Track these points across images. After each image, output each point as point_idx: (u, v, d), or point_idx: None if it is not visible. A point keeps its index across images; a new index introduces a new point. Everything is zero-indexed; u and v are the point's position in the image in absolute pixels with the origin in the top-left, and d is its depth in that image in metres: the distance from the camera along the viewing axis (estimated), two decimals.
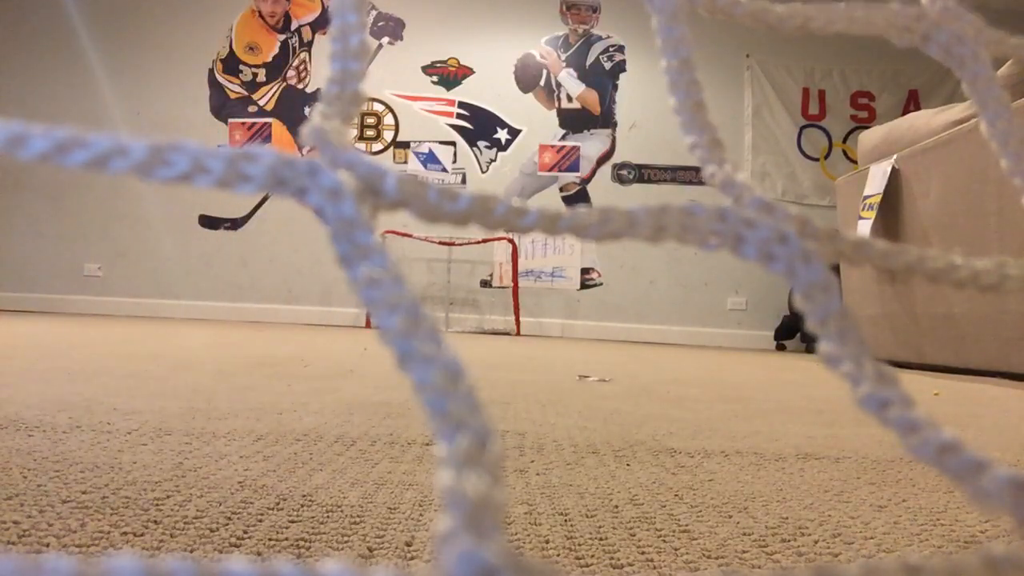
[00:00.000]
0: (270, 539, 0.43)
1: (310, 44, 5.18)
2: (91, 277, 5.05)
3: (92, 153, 0.18)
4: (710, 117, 0.26)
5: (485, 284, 5.04)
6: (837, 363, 0.21)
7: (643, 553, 0.43)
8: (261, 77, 5.16)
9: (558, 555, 0.43)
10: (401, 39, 5.21)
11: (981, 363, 2.43)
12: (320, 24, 5.18)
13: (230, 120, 5.07)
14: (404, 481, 0.58)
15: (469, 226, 0.20)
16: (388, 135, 5.13)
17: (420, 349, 0.17)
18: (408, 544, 0.43)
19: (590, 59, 5.22)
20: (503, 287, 4.97)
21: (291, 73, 5.15)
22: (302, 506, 0.49)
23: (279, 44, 5.18)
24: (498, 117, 5.18)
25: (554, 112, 5.18)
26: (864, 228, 2.83)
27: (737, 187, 0.24)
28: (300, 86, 5.13)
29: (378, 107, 5.16)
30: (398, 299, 0.18)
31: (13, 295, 5.00)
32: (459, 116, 5.18)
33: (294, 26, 5.19)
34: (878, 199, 2.80)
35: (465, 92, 5.19)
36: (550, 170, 5.11)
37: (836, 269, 3.02)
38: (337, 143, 0.20)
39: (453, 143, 5.12)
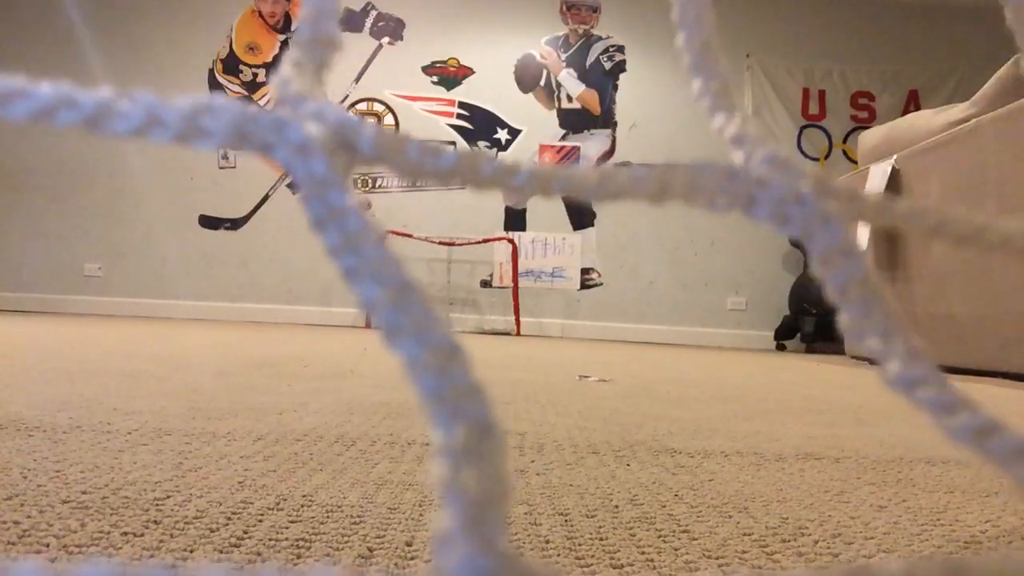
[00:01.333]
0: (270, 539, 0.43)
1: None
2: (91, 277, 5.05)
3: (37, 104, 0.16)
4: (720, 62, 0.24)
5: (485, 284, 5.03)
6: (861, 337, 0.19)
7: (643, 553, 0.43)
8: (261, 77, 5.16)
9: (558, 555, 0.43)
10: (401, 39, 5.21)
11: (981, 363, 2.42)
12: None
13: None
14: (404, 481, 0.58)
15: (453, 184, 0.19)
16: None
17: (410, 322, 0.16)
18: (408, 544, 0.43)
19: (590, 59, 5.22)
20: (503, 287, 4.97)
21: None
22: (302, 506, 0.49)
23: (279, 44, 5.19)
24: (498, 117, 5.18)
25: (554, 112, 5.18)
26: (864, 229, 2.83)
27: (748, 141, 0.22)
28: None
29: (378, 107, 5.16)
30: (381, 266, 0.16)
31: (13, 295, 5.00)
32: (459, 116, 5.19)
33: (294, 26, 5.20)
34: None
35: (465, 92, 5.19)
36: None
37: None
38: (308, 93, 0.18)
39: (453, 143, 5.12)
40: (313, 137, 0.17)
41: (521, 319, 4.79)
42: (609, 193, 0.19)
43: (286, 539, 0.43)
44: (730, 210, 0.20)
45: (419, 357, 0.16)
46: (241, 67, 5.16)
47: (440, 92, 5.18)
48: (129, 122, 0.17)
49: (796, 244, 4.72)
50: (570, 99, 5.19)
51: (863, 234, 2.80)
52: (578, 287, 5.05)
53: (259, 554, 0.40)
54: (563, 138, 5.16)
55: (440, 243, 4.89)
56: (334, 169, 0.17)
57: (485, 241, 4.93)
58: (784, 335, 4.74)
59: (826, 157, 5.19)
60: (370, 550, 0.42)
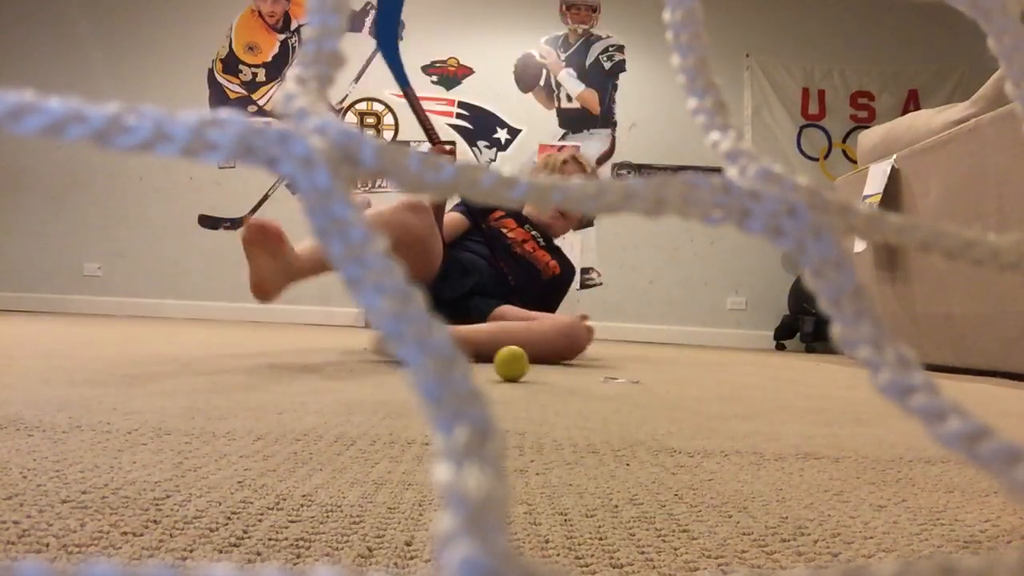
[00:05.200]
0: (270, 539, 0.43)
1: None
2: (91, 277, 5.05)
3: (48, 119, 0.17)
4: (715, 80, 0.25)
5: None
6: (853, 346, 0.20)
7: (643, 553, 0.43)
8: (261, 77, 5.16)
9: (558, 555, 0.43)
10: (401, 39, 5.20)
11: (981, 363, 2.42)
12: None
13: None
14: (404, 481, 0.58)
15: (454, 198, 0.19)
16: (388, 135, 5.13)
17: (410, 330, 0.16)
18: (408, 544, 0.43)
19: (590, 59, 5.22)
20: None
21: None
22: (302, 506, 0.49)
23: (279, 44, 5.19)
24: (498, 117, 5.18)
25: (554, 112, 5.18)
26: None
27: (742, 156, 0.22)
28: None
29: (378, 107, 5.16)
30: (383, 276, 0.17)
31: (13, 295, 5.00)
32: (459, 116, 5.19)
33: (294, 26, 5.20)
34: (878, 199, 2.80)
35: (465, 92, 5.19)
36: None
37: None
38: (311, 108, 0.19)
39: (453, 143, 5.12)
40: (317, 150, 0.18)
41: None
42: (605, 206, 0.20)
43: (286, 539, 0.43)
44: (724, 223, 0.20)
45: (420, 363, 0.16)
46: (241, 67, 5.16)
47: (440, 92, 5.18)
48: (137, 136, 0.17)
49: None
50: (570, 99, 5.19)
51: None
52: (578, 287, 5.05)
53: (259, 554, 0.40)
54: (563, 138, 5.16)
55: None
56: (337, 181, 0.18)
57: None
58: (784, 335, 4.74)
59: (826, 157, 5.20)
60: (370, 550, 0.42)
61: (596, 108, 5.19)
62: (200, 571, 0.13)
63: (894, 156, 2.82)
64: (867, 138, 3.16)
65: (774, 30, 5.23)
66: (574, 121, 5.17)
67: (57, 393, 0.98)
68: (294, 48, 5.19)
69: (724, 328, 5.07)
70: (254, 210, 5.06)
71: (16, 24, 5.09)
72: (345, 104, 5.14)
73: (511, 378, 1.48)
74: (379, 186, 5.03)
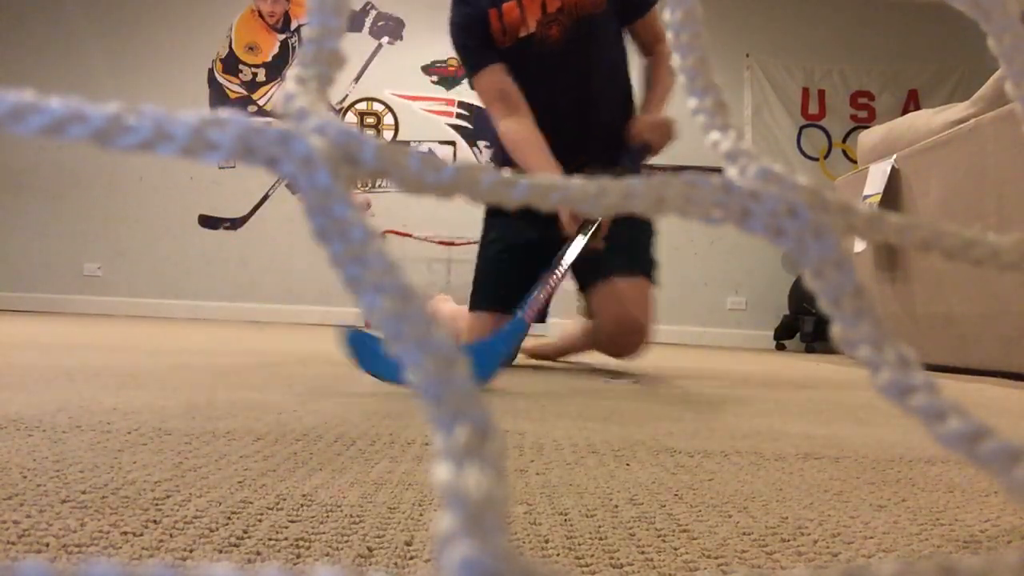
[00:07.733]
0: (270, 539, 0.43)
1: None
2: (91, 277, 5.05)
3: (48, 119, 0.17)
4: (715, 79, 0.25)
5: None
6: (853, 347, 0.20)
7: (643, 553, 0.43)
8: (261, 77, 5.16)
9: (558, 555, 0.43)
10: (401, 39, 5.21)
11: (981, 363, 2.42)
12: None
13: None
14: (404, 481, 0.58)
15: (454, 198, 0.19)
16: (388, 135, 5.13)
17: (411, 330, 0.16)
18: (408, 544, 0.43)
19: None
20: None
21: None
22: (302, 506, 0.49)
23: (279, 44, 5.19)
24: None
25: None
26: None
27: (742, 156, 0.22)
28: None
29: (378, 107, 5.16)
30: (383, 276, 0.17)
31: (13, 295, 5.00)
32: (459, 116, 5.19)
33: (294, 26, 5.20)
34: (878, 199, 2.80)
35: (465, 92, 5.18)
36: None
37: None
38: (311, 108, 0.19)
39: (453, 143, 5.12)
40: (317, 150, 0.18)
41: None
42: (605, 206, 0.19)
43: (286, 539, 0.43)
44: (725, 223, 0.20)
45: (420, 363, 0.16)
46: (241, 67, 5.16)
47: (440, 92, 5.18)
48: (137, 136, 0.17)
49: None
50: None
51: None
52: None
53: (259, 554, 0.40)
54: None
55: (440, 243, 4.89)
56: (337, 181, 0.18)
57: None
58: (784, 335, 4.74)
59: (825, 157, 5.20)
60: (370, 549, 0.42)
61: None
62: (200, 571, 0.13)
63: (894, 156, 2.82)
64: (867, 138, 3.16)
65: (774, 30, 5.23)
66: None
67: (57, 393, 0.98)
68: (294, 48, 5.19)
69: (724, 328, 5.07)
70: (254, 210, 5.06)
71: (16, 24, 5.09)
72: (345, 104, 5.14)
73: None
74: (379, 186, 5.03)
